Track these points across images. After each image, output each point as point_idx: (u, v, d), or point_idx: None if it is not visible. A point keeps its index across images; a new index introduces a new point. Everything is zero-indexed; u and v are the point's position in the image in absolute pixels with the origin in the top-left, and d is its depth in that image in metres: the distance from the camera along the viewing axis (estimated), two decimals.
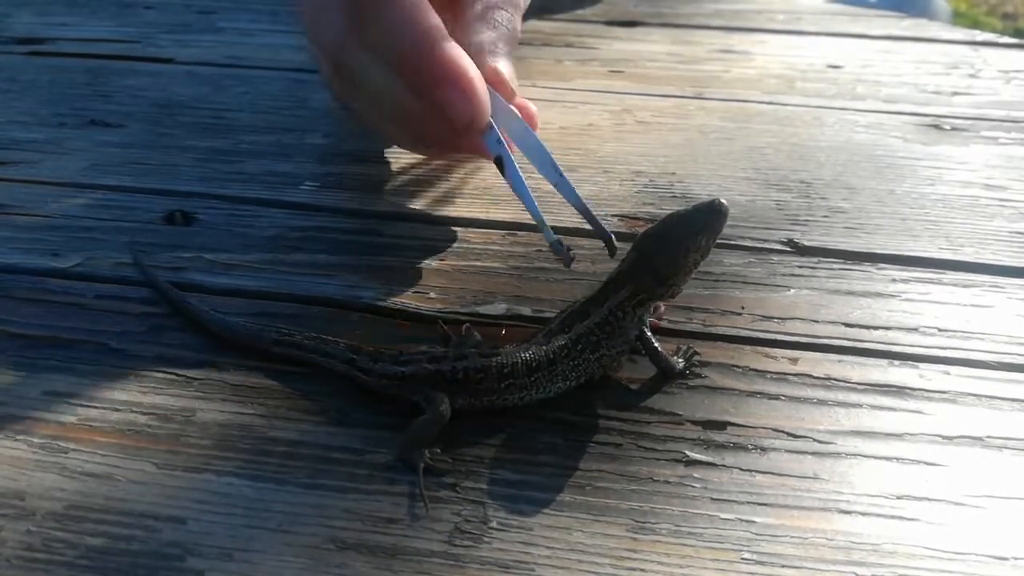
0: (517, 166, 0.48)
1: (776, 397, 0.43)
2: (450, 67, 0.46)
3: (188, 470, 0.39)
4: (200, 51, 0.78)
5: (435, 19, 0.47)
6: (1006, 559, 0.35)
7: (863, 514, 0.37)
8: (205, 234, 0.54)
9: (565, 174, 0.48)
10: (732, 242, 0.53)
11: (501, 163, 0.48)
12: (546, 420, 0.42)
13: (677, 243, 0.43)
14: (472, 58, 0.48)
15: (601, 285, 0.44)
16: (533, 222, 0.51)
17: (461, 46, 0.48)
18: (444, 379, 0.41)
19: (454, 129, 0.47)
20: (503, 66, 0.50)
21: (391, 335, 0.46)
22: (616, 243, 0.46)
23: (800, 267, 0.52)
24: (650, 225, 0.45)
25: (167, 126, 0.66)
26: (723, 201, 0.44)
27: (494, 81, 0.49)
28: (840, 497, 0.38)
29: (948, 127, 0.67)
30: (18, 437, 0.40)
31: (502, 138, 0.49)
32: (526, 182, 0.48)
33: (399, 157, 0.62)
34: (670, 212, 0.45)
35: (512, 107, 0.50)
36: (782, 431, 0.41)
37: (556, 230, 0.54)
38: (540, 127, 0.61)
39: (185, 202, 0.57)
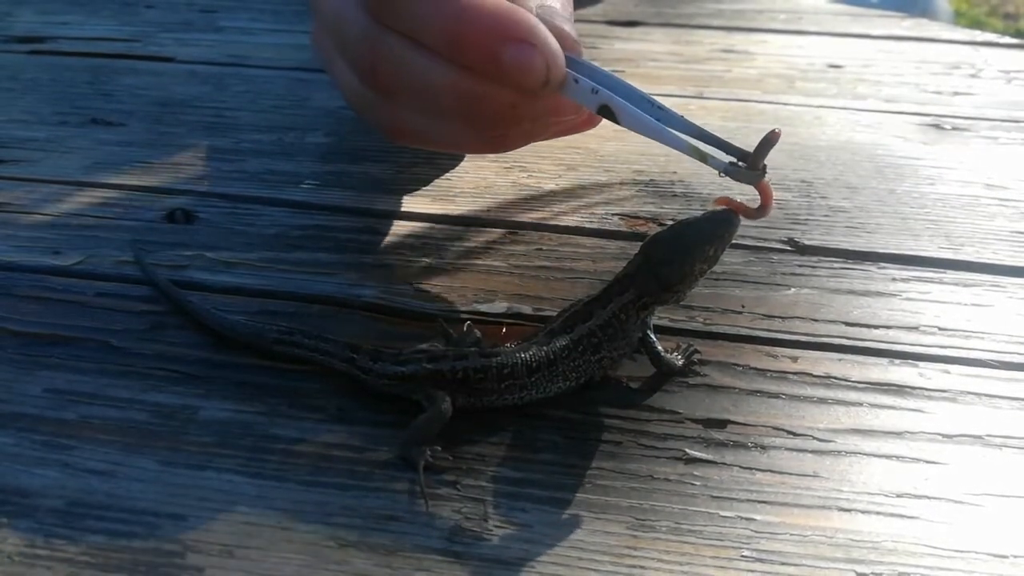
0: (629, 105, 0.40)
1: (776, 395, 0.43)
2: (503, 22, 0.39)
3: (189, 467, 0.39)
4: (201, 50, 0.78)
5: None
6: (1006, 557, 0.35)
7: (863, 512, 0.37)
8: (206, 232, 0.54)
9: (666, 106, 0.41)
10: (733, 240, 0.53)
11: (610, 112, 0.40)
12: (546, 418, 0.42)
13: (685, 253, 0.42)
14: None
15: (605, 286, 0.44)
16: (535, 219, 0.51)
17: None
18: (444, 378, 0.41)
19: (529, 95, 0.40)
20: (561, 22, 0.41)
21: (391, 333, 0.46)
22: (753, 155, 0.39)
23: (800, 266, 0.52)
24: (659, 229, 0.45)
25: (168, 125, 0.66)
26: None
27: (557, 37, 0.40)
28: (840, 495, 0.38)
29: (949, 127, 0.67)
30: (20, 434, 0.40)
31: (594, 85, 0.40)
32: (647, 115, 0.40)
33: (399, 156, 0.62)
34: (680, 218, 0.44)
35: (585, 59, 0.41)
36: (782, 429, 0.41)
37: (556, 229, 0.55)
38: None
39: (186, 200, 0.57)
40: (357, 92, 0.46)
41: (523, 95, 0.41)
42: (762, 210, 0.41)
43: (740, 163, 0.39)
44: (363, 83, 0.45)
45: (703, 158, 0.39)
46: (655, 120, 0.40)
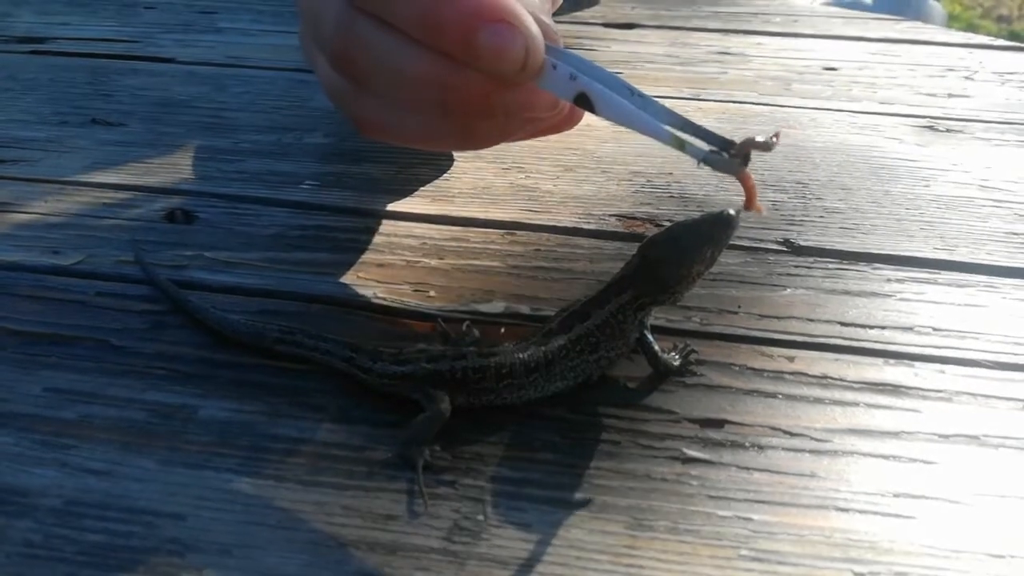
0: (608, 91, 0.38)
1: (773, 395, 0.43)
2: (479, 3, 0.36)
3: (188, 467, 0.39)
4: (201, 51, 0.78)
5: None
6: (1002, 557, 0.36)
7: (860, 512, 0.37)
8: (206, 232, 0.54)
9: (647, 95, 0.38)
10: (729, 242, 0.53)
11: (587, 99, 0.38)
12: (545, 418, 0.42)
13: (682, 254, 0.43)
14: None
15: (603, 287, 0.44)
16: (533, 219, 0.52)
17: None
18: (443, 378, 0.41)
19: (505, 81, 0.38)
20: (540, 14, 0.39)
21: (391, 333, 0.47)
22: (739, 145, 0.37)
23: (796, 267, 0.52)
24: (656, 230, 0.45)
25: (168, 125, 0.66)
26: (732, 212, 0.43)
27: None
28: (837, 495, 0.38)
29: (943, 128, 0.67)
30: (19, 434, 0.40)
31: (572, 71, 0.38)
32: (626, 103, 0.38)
33: (399, 157, 0.62)
34: (677, 219, 0.45)
35: (563, 48, 0.39)
36: (779, 429, 0.41)
37: (554, 229, 0.55)
38: None
39: (186, 200, 0.57)
40: (332, 82, 0.45)
41: (498, 84, 0.39)
42: (748, 206, 0.39)
43: (722, 152, 0.37)
44: (336, 70, 0.43)
45: (681, 146, 0.37)
46: (635, 108, 0.38)
